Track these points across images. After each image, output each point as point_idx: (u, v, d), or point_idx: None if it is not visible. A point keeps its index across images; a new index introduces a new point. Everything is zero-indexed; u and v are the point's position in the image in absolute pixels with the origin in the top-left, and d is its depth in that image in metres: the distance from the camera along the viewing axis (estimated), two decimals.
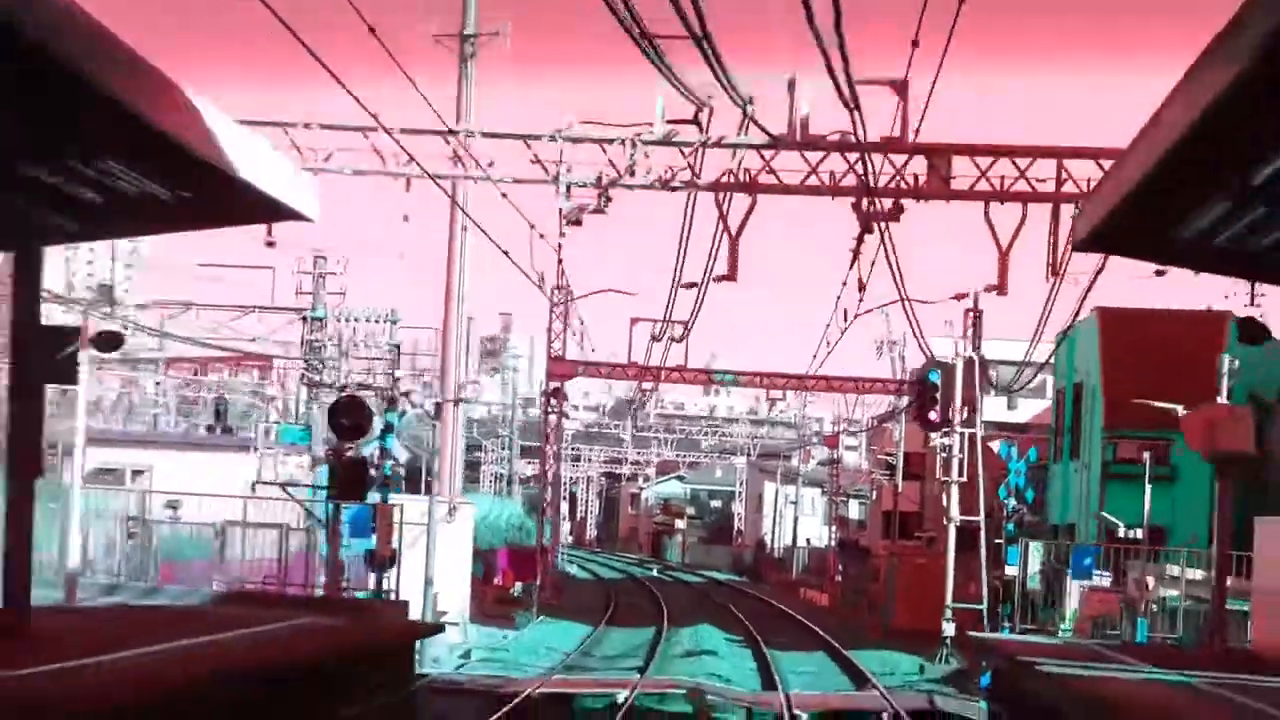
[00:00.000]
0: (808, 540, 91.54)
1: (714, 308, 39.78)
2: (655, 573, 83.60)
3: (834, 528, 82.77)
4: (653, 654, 33.44)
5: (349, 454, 22.05)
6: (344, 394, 25.30)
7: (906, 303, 28.48)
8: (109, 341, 21.01)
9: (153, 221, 14.63)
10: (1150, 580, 26.80)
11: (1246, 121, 9.04)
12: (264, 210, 14.89)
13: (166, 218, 13.93)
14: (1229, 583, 19.85)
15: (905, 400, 51.36)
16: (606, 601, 51.26)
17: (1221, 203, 10.66)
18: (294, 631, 15.88)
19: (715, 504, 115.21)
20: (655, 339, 41.74)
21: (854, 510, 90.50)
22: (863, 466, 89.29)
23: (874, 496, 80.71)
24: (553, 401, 52.66)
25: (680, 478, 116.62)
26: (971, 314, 36.76)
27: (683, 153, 25.82)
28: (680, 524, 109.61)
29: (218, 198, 13.17)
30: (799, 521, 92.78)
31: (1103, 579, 31.19)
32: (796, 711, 24.31)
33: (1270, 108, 8.69)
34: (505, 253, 25.20)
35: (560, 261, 35.67)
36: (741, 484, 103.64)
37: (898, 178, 25.44)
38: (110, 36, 9.40)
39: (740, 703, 25.54)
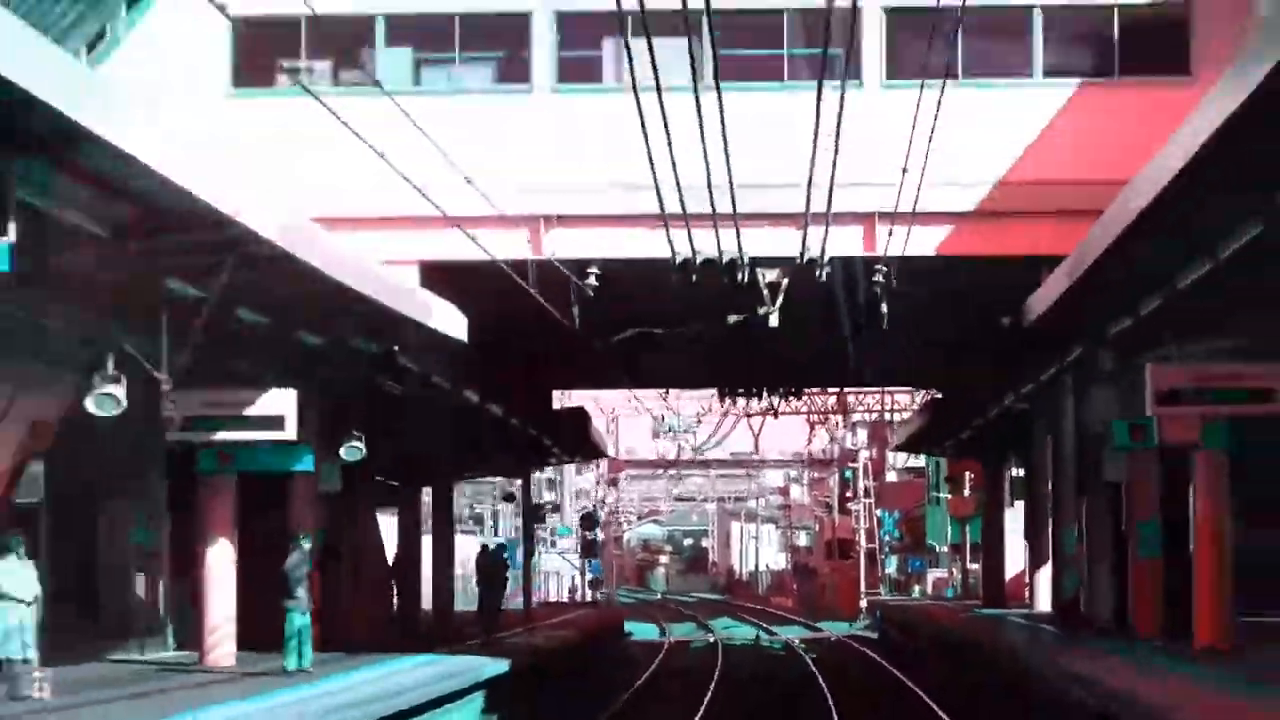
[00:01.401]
0: (768, 565, 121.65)
1: None
2: (659, 597, 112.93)
3: (789, 554, 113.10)
4: (696, 626, 63.67)
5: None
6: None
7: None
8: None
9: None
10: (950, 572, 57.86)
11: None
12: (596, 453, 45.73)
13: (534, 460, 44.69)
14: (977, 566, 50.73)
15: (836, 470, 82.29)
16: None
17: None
18: (591, 613, 46.60)
19: (688, 541, 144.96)
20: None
21: (803, 539, 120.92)
22: (806, 502, 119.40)
23: (817, 528, 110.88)
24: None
25: (657, 521, 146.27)
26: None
27: None
28: (662, 559, 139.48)
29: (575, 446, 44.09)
30: (759, 551, 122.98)
31: (938, 572, 62.33)
32: (788, 639, 54.40)
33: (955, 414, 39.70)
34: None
35: None
36: (713, 524, 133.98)
37: None
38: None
39: (755, 640, 55.68)
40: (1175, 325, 21.34)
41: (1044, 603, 38.87)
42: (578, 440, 45.88)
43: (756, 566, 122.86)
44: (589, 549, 65.13)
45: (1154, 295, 20.67)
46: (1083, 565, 31.66)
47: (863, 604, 65.78)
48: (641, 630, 55.01)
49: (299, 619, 21.91)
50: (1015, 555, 46.79)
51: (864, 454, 68.83)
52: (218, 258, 17.59)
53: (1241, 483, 23.29)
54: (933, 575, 64.01)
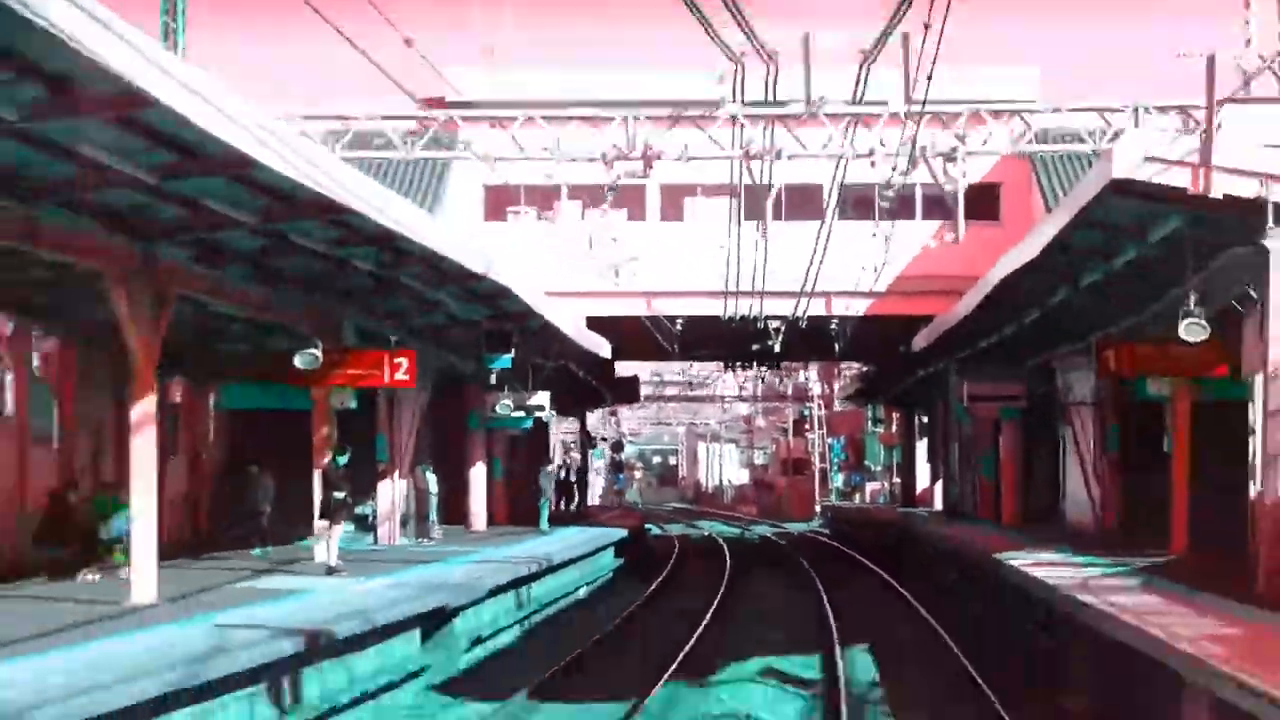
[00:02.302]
0: (730, 480, 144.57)
1: None
2: (639, 506, 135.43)
3: (750, 470, 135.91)
4: (686, 526, 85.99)
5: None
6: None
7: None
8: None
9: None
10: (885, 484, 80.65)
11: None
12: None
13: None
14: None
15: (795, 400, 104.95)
16: None
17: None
18: (623, 513, 69.02)
19: (657, 460, 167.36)
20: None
21: (759, 458, 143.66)
22: (763, 426, 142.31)
23: (774, 449, 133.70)
24: None
25: (631, 441, 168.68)
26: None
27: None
28: (636, 474, 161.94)
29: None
30: (724, 468, 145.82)
31: (874, 484, 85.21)
32: (761, 533, 76.64)
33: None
34: None
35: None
36: (681, 444, 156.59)
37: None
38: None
39: (741, 534, 77.97)
40: (975, 361, 43.64)
41: (939, 503, 61.51)
42: (629, 393, 68.68)
43: (721, 481, 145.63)
44: (617, 466, 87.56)
45: (965, 348, 42.96)
46: (955, 480, 54.32)
47: (817, 508, 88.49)
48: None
49: (545, 504, 44.29)
50: (923, 473, 69.28)
51: (816, 388, 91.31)
52: (527, 331, 39.36)
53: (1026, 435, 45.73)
54: (870, 486, 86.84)
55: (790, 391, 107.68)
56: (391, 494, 36.55)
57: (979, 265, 37.95)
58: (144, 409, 22.32)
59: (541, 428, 52.90)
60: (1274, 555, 19.98)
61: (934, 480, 64.94)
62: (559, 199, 46.95)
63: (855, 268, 44.23)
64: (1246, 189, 19.05)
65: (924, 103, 24.26)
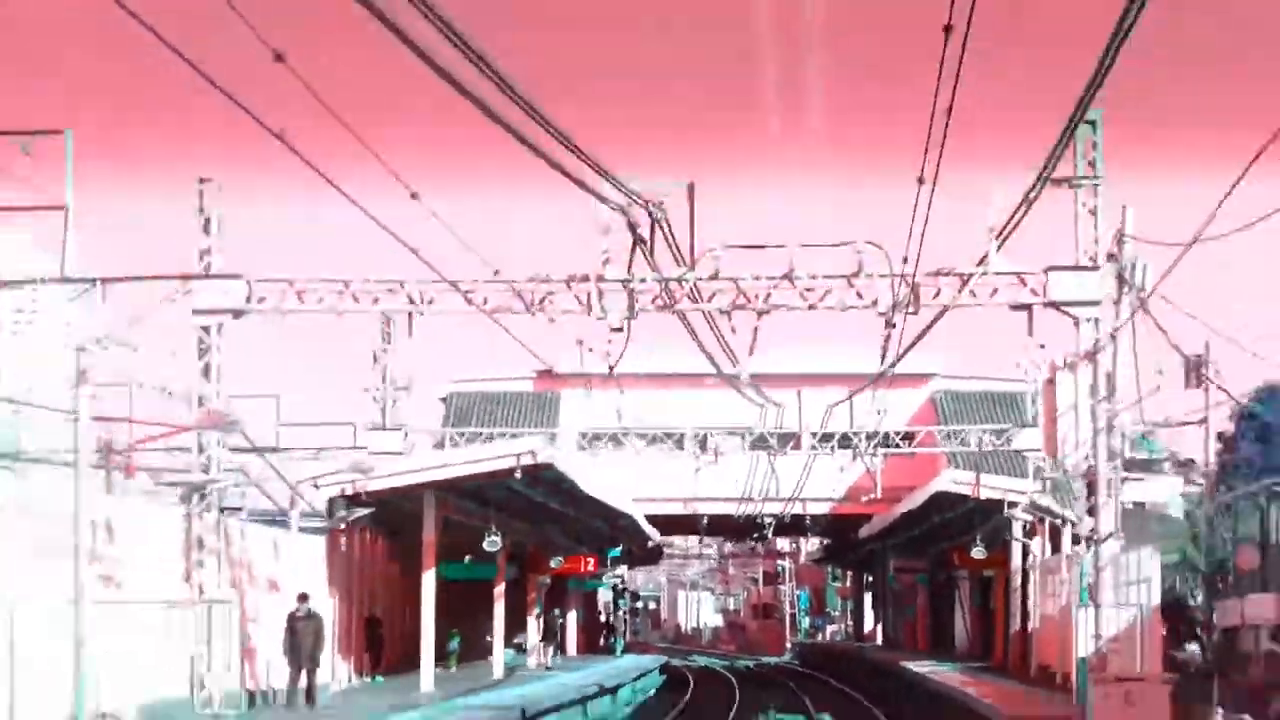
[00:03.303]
0: (705, 623, 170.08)
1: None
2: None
3: (723, 614, 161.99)
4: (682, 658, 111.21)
5: None
6: None
7: None
8: None
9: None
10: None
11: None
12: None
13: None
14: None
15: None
16: None
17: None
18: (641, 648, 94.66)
19: (637, 605, 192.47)
20: None
21: (731, 604, 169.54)
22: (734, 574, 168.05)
23: (746, 596, 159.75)
24: None
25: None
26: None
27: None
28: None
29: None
30: (700, 612, 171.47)
31: (834, 626, 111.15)
32: (746, 663, 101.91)
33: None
34: None
35: None
36: (663, 591, 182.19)
37: None
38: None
39: (731, 664, 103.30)
40: (898, 547, 69.83)
41: (879, 639, 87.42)
42: (655, 557, 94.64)
43: (699, 623, 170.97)
44: (634, 613, 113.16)
45: (891, 539, 69.16)
46: (889, 623, 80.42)
47: (788, 644, 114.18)
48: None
49: (619, 641, 70.10)
50: (869, 618, 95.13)
51: (789, 556, 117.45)
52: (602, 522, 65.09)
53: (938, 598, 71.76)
54: (830, 628, 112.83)
55: (763, 551, 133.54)
56: (539, 631, 62.28)
57: (902, 482, 63.69)
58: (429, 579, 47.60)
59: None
60: (1014, 655, 45.96)
61: (876, 622, 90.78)
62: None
63: (823, 485, 70.13)
64: (998, 494, 45.25)
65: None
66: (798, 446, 65.50)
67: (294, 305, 29.97)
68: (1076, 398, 28.18)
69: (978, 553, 49.02)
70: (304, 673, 31.21)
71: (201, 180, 30.80)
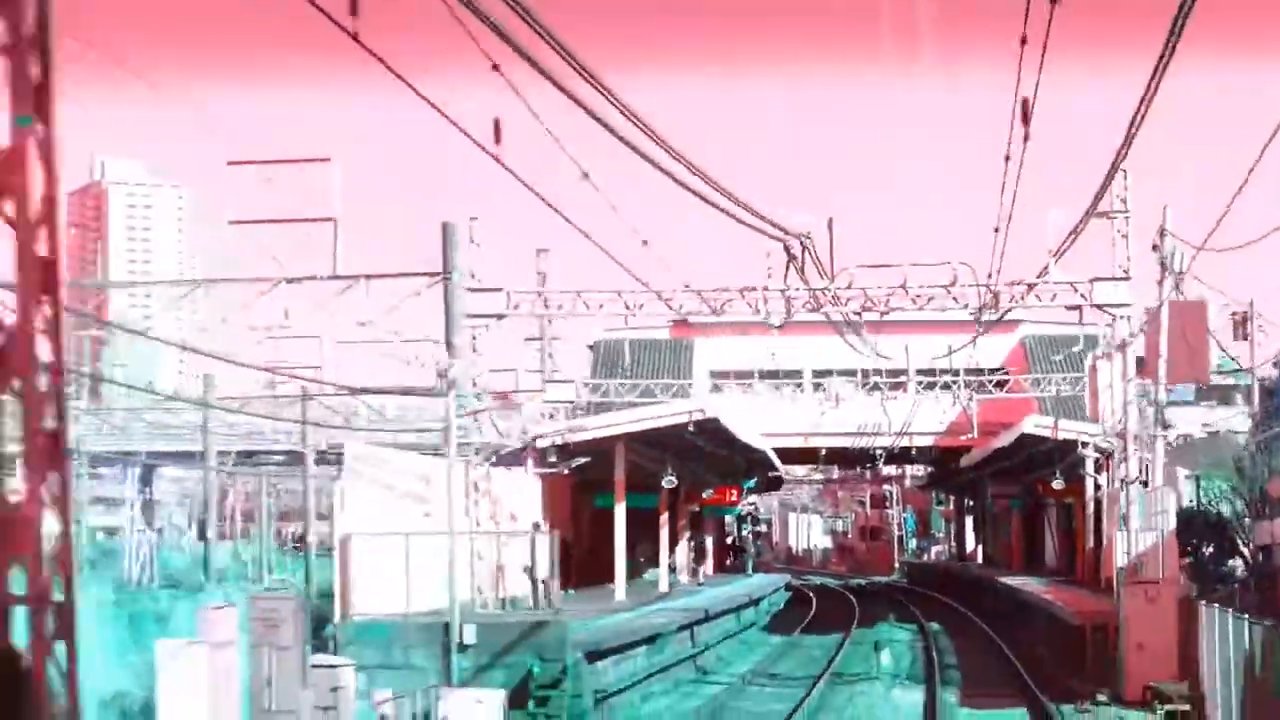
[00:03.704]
0: (815, 545, 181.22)
1: None
2: None
3: (832, 536, 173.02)
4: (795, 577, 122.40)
5: None
6: None
7: None
8: None
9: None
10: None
11: None
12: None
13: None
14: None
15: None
16: None
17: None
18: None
19: (758, 529, 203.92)
20: None
21: (840, 525, 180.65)
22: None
23: (854, 518, 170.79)
24: None
25: None
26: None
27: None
28: None
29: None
30: (810, 535, 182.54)
31: (938, 547, 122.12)
32: (858, 581, 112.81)
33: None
34: None
35: None
36: (774, 514, 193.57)
37: None
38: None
39: (844, 584, 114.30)
40: (995, 475, 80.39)
41: (979, 558, 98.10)
42: (777, 485, 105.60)
43: (809, 544, 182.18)
44: (756, 536, 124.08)
45: (989, 468, 79.75)
46: (988, 544, 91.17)
47: (896, 564, 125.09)
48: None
49: (749, 558, 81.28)
50: (970, 539, 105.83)
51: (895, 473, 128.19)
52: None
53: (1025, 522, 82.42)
54: (935, 549, 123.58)
55: (870, 476, 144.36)
56: (688, 552, 73.49)
57: (999, 418, 74.11)
58: (620, 512, 58.71)
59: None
60: (1088, 569, 56.56)
61: (977, 543, 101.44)
62: (753, 379, 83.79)
63: (928, 420, 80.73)
64: (1072, 435, 55.76)
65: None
66: (904, 389, 76.50)
67: (540, 311, 41.09)
68: (1112, 379, 38.83)
69: (1058, 484, 59.64)
70: (542, 584, 42.18)
71: (471, 219, 41.93)
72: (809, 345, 76.64)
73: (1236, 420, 54.87)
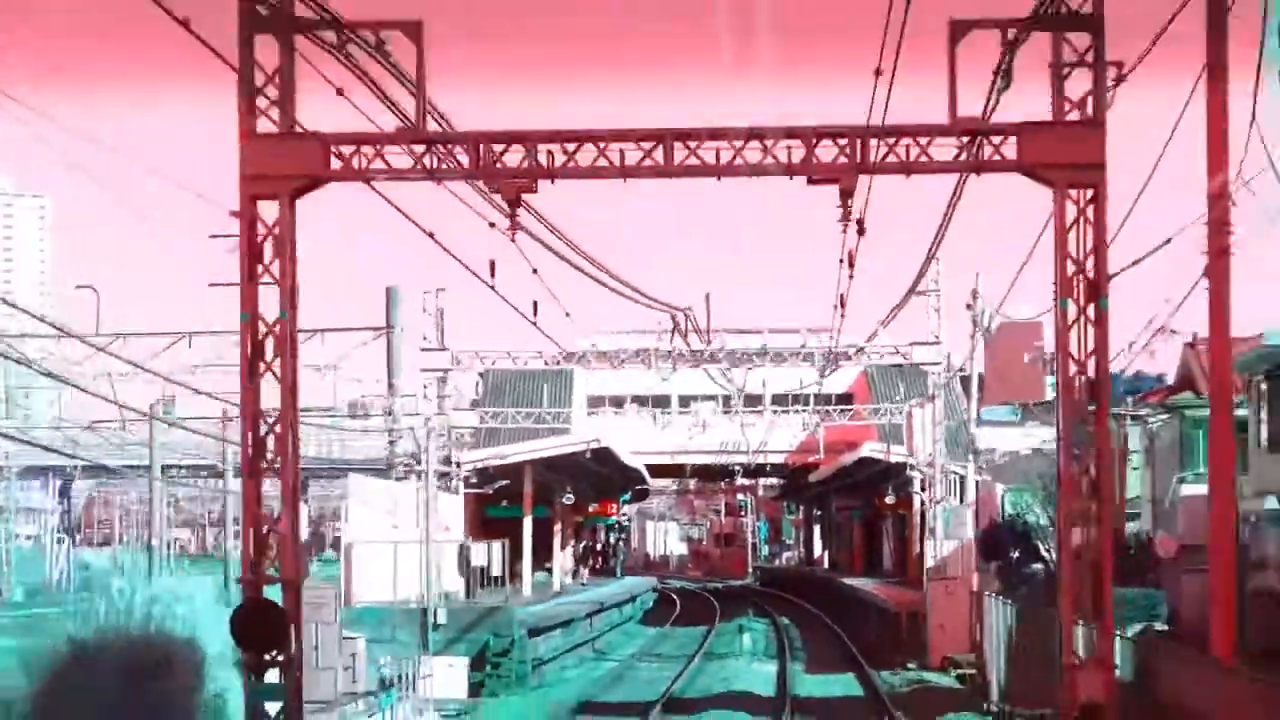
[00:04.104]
0: (672, 550, 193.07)
1: None
2: None
3: (688, 543, 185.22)
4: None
5: None
6: None
7: None
8: None
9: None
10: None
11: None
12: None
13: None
14: None
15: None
16: None
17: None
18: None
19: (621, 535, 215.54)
20: None
21: (695, 533, 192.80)
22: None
23: (709, 525, 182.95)
24: None
25: None
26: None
27: None
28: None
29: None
30: (668, 540, 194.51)
31: (789, 553, 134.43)
32: (715, 585, 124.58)
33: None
34: None
35: None
36: (632, 523, 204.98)
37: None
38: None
39: (703, 586, 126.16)
40: (839, 490, 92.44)
41: (825, 563, 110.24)
42: (644, 496, 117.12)
43: (666, 551, 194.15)
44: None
45: (834, 483, 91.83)
46: (832, 549, 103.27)
47: (750, 569, 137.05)
48: None
49: (620, 563, 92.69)
50: (818, 545, 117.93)
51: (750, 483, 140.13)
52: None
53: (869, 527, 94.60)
54: (785, 554, 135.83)
55: (725, 487, 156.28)
56: (574, 556, 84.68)
57: (845, 438, 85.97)
58: (528, 523, 69.87)
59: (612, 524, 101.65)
60: (915, 570, 68.54)
61: (824, 549, 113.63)
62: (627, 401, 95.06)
63: (781, 440, 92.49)
64: (901, 456, 67.67)
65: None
66: (760, 413, 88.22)
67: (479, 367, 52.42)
68: (925, 422, 50.64)
69: (890, 499, 71.50)
70: (468, 580, 53.25)
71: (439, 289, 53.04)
72: (678, 375, 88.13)
73: (1017, 442, 66.77)
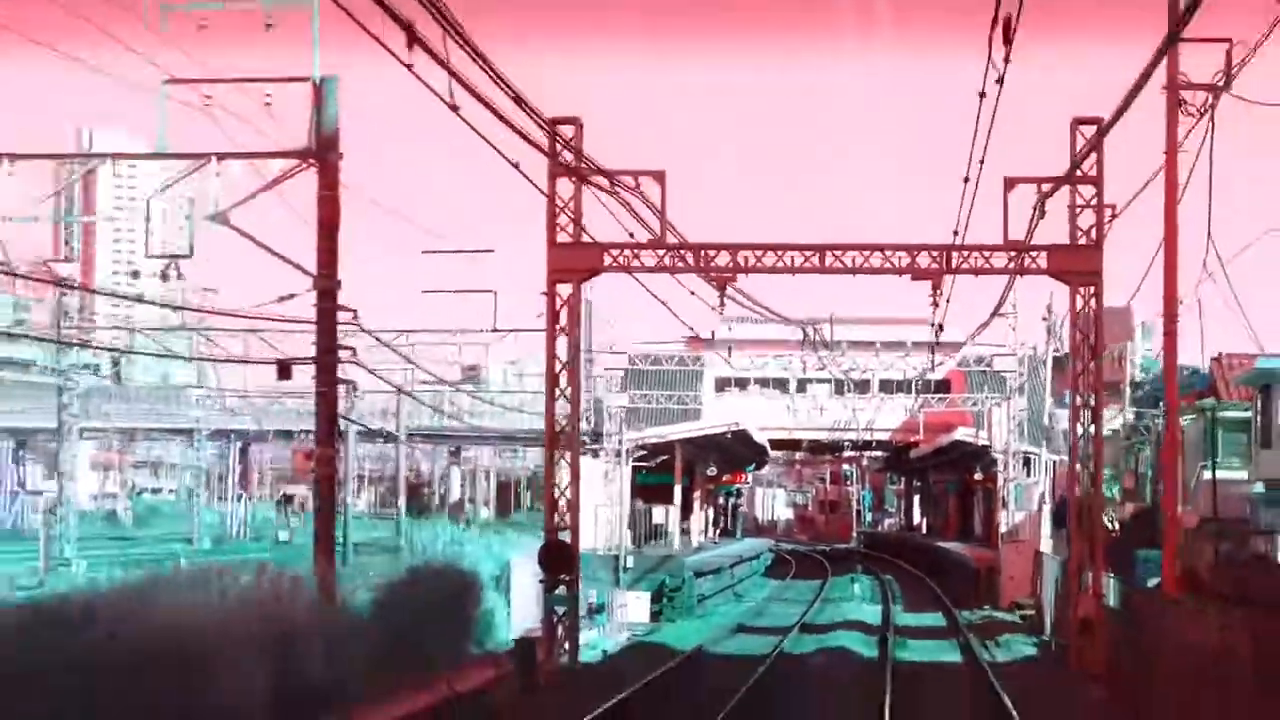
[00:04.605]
0: (780, 516, 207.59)
1: None
2: None
3: (794, 509, 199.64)
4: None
5: None
6: None
7: None
8: None
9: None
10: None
11: None
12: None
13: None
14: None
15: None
16: None
17: None
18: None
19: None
20: None
21: (800, 499, 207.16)
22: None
23: (814, 493, 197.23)
24: None
25: None
26: None
27: None
28: None
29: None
30: (775, 506, 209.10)
31: (891, 519, 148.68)
32: (824, 548, 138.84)
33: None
34: None
35: None
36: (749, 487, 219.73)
37: None
38: None
39: (812, 549, 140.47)
40: (936, 465, 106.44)
41: (924, 530, 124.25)
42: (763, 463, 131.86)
43: (774, 516, 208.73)
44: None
45: (931, 460, 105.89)
46: (930, 516, 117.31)
47: (854, 533, 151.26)
48: None
49: (740, 525, 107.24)
50: (916, 513, 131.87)
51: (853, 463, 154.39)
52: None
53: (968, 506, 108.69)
54: (887, 521, 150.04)
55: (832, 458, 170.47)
56: (702, 519, 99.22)
57: (938, 421, 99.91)
58: (678, 491, 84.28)
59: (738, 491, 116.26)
60: (997, 536, 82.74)
61: (923, 517, 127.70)
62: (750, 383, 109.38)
63: (887, 419, 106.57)
64: (986, 443, 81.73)
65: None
66: (868, 397, 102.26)
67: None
68: (1001, 418, 64.78)
69: (979, 475, 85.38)
70: (637, 535, 67.73)
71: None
72: (795, 359, 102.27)
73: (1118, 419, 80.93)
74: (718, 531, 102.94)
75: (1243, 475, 45.86)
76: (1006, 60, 23.14)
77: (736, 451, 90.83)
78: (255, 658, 25.00)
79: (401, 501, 73.95)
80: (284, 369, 33.23)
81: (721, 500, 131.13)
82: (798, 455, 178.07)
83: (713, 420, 78.58)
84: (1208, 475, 53.76)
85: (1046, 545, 60.98)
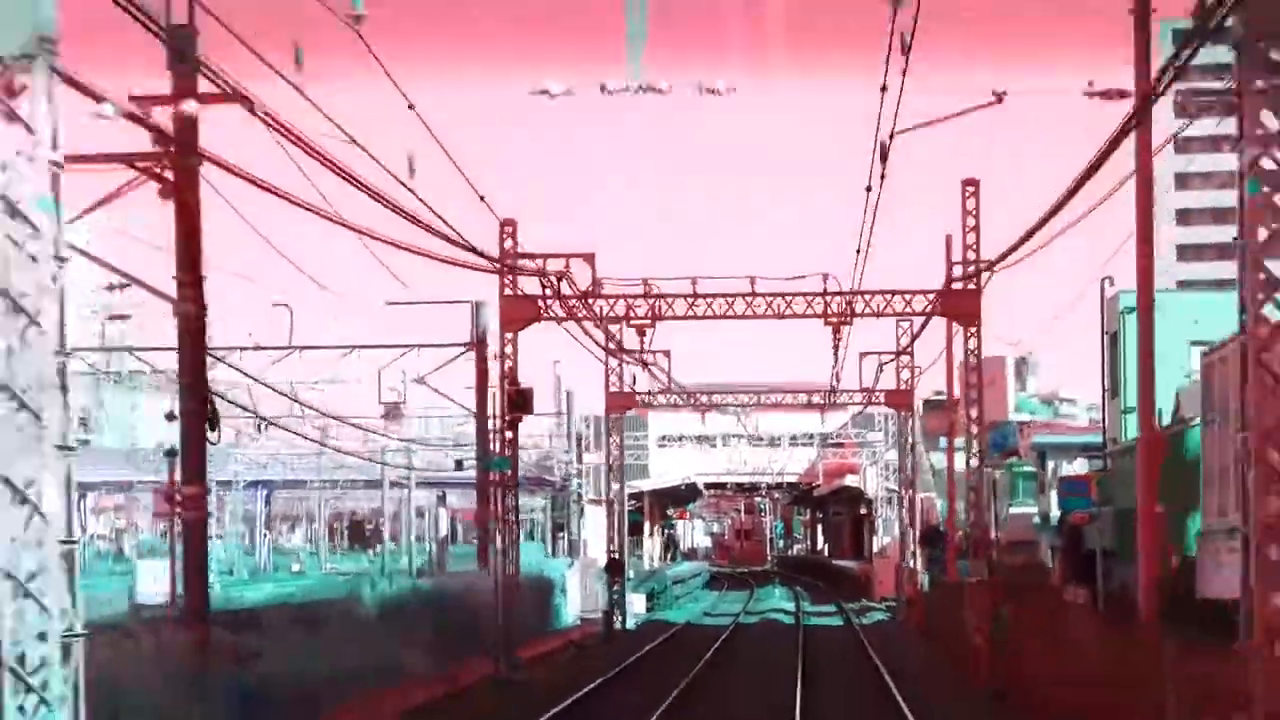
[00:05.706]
0: (698, 543, 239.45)
1: None
2: None
3: (711, 537, 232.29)
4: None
5: None
6: None
7: None
8: None
9: None
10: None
11: None
12: None
13: None
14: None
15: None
16: None
17: None
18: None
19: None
20: None
21: (717, 528, 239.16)
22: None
23: (730, 522, 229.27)
24: None
25: None
26: None
27: None
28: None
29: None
30: (694, 535, 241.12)
31: (800, 545, 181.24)
32: (742, 570, 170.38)
33: None
34: None
35: None
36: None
37: None
38: None
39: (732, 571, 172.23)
40: (833, 502, 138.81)
41: (826, 553, 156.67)
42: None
43: (693, 544, 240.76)
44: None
45: (832, 497, 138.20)
46: (830, 543, 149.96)
47: (769, 556, 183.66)
48: None
49: (678, 554, 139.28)
50: (820, 540, 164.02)
51: (767, 501, 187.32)
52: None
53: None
54: (796, 547, 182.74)
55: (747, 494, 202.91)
56: (655, 545, 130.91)
57: (834, 466, 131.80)
58: (647, 527, 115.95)
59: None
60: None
61: (824, 542, 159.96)
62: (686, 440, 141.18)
63: (795, 464, 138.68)
64: (862, 485, 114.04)
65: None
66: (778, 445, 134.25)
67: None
68: (872, 473, 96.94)
69: (863, 510, 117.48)
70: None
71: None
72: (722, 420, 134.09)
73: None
74: (668, 556, 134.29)
75: (1034, 509, 77.39)
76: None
77: (683, 495, 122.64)
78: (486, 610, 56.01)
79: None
80: None
81: (666, 532, 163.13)
82: (717, 493, 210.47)
83: (659, 471, 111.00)
84: (1014, 510, 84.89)
85: (910, 560, 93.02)
